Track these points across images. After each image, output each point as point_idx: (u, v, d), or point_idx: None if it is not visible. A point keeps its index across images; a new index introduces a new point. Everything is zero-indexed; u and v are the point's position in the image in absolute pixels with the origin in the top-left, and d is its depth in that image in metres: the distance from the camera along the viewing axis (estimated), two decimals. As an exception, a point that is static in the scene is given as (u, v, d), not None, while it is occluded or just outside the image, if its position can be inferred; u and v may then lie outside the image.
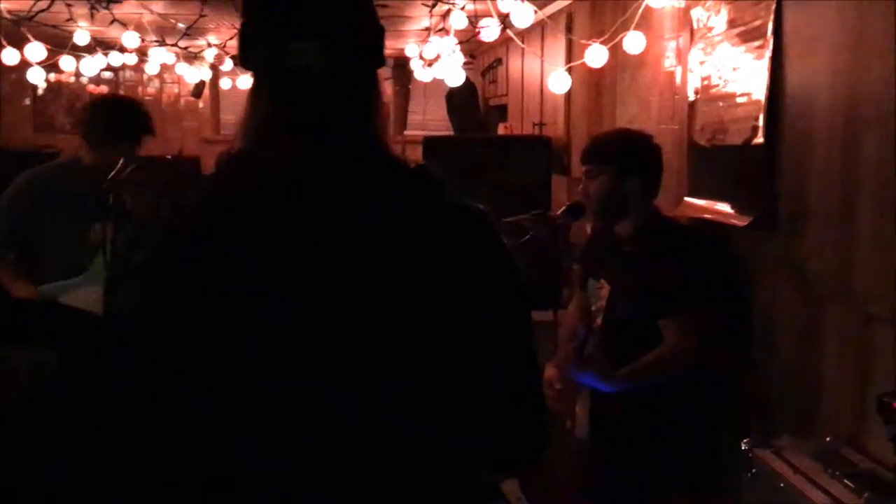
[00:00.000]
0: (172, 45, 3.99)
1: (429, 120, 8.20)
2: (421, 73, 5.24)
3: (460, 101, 6.72)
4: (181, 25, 3.79)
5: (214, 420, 1.04)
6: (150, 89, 9.15)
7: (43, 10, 3.21)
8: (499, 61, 6.08)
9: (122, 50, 5.52)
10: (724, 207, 2.49)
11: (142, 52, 5.52)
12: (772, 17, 2.23)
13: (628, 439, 2.46)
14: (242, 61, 1.11)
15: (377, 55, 1.14)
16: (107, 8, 3.25)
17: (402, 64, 6.96)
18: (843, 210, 1.92)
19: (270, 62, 1.07)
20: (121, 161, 2.26)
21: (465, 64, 7.98)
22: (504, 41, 4.36)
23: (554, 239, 2.29)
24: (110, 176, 2.22)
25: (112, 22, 3.56)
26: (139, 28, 4.47)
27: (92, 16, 3.34)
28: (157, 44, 4.14)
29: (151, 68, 6.23)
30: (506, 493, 3.54)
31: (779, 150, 2.22)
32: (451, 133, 6.86)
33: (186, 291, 1.02)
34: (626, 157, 2.47)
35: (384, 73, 1.19)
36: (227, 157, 1.11)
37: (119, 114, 2.84)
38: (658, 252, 2.44)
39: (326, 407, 1.04)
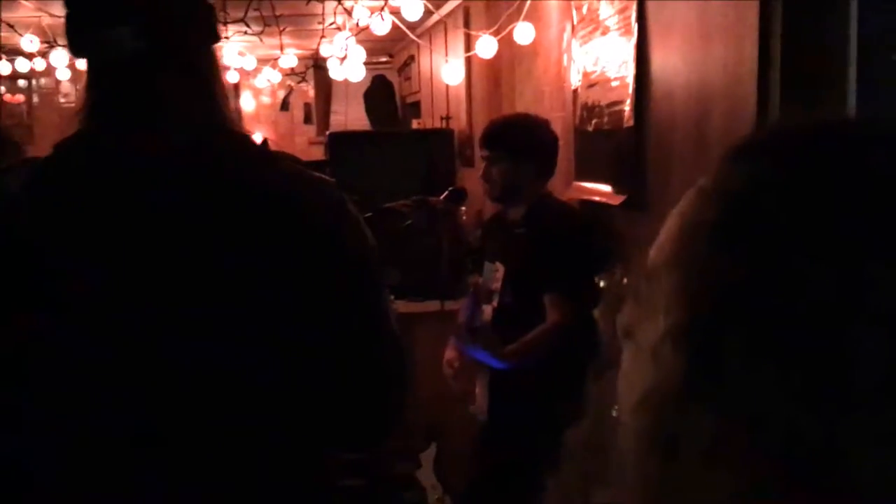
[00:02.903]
0: (65, 46, 3.92)
1: (351, 119, 8.21)
2: (334, 72, 5.27)
3: (377, 99, 6.78)
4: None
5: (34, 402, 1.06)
6: (68, 97, 8.94)
7: None
8: (412, 59, 6.15)
9: (30, 56, 5.42)
10: (604, 188, 2.60)
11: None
12: (635, 4, 2.34)
13: (523, 415, 2.54)
14: (69, 49, 1.14)
15: (206, 32, 1.14)
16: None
17: (320, 65, 6.97)
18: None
19: (91, 48, 1.09)
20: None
21: (383, 63, 8.05)
22: (416, 39, 4.42)
23: (435, 224, 2.35)
24: None
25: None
26: (39, 32, 4.39)
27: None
28: (47, 46, 4.07)
29: (62, 74, 6.11)
30: (420, 479, 3.61)
31: (646, 132, 2.33)
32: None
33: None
34: (523, 143, 2.56)
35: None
36: (61, 141, 1.14)
37: None
38: (544, 232, 2.53)
39: (155, 393, 1.04)
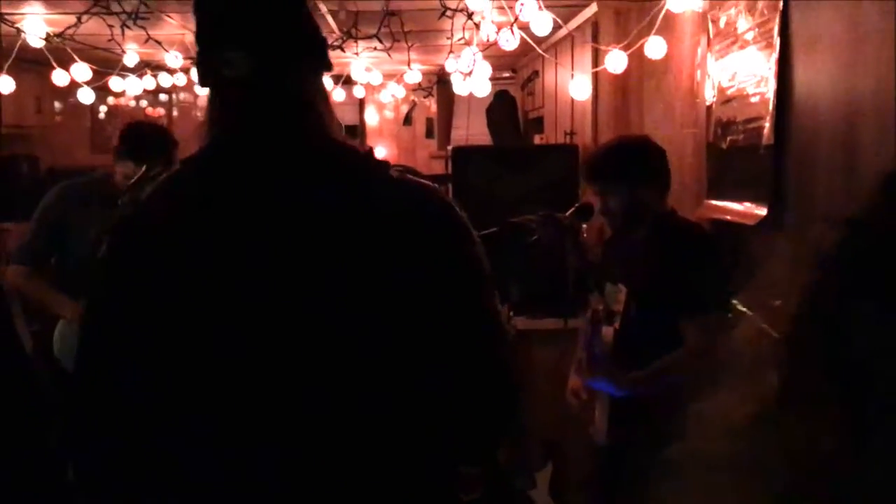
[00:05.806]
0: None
1: (472, 134, 8.24)
2: (458, 87, 5.30)
3: (499, 114, 6.78)
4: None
5: (174, 406, 1.10)
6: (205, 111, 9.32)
7: (73, 25, 3.36)
8: (536, 74, 6.13)
9: (172, 72, 5.73)
10: (738, 207, 2.49)
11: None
12: (778, 17, 2.24)
13: (643, 442, 2.46)
14: (198, 75, 1.21)
15: (316, 60, 1.22)
16: (135, 24, 3.40)
17: (444, 80, 7.04)
18: (844, 209, 1.91)
19: (211, 72, 1.17)
20: (143, 168, 2.36)
21: (506, 78, 8.05)
22: (540, 54, 4.39)
23: (561, 240, 2.30)
24: (132, 181, 2.33)
25: (147, 41, 3.72)
26: (182, 49, 4.63)
27: (123, 33, 3.50)
28: (191, 62, 4.29)
29: (201, 89, 6.40)
30: (535, 498, 3.56)
31: (787, 150, 2.22)
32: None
33: (135, 279, 1.11)
34: (634, 167, 2.45)
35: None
36: (189, 157, 1.21)
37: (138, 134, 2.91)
38: (674, 254, 2.44)
39: (292, 396, 1.08)
